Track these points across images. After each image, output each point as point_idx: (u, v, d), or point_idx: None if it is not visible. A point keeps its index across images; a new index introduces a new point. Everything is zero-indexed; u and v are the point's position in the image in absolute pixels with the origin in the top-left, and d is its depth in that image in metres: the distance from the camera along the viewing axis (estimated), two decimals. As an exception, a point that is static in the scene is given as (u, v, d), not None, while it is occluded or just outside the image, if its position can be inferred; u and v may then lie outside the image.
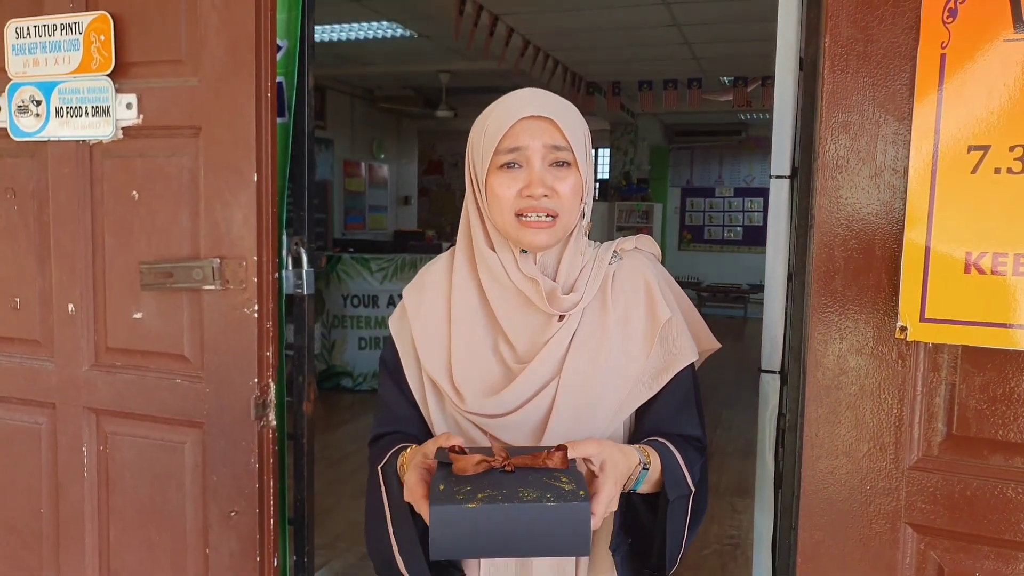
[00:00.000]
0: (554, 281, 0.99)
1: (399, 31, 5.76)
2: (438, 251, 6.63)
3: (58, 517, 1.55)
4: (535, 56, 6.02)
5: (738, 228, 10.75)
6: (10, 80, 1.48)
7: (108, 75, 1.41)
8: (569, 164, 0.96)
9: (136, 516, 1.50)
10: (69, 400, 1.52)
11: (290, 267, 1.45)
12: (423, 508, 0.83)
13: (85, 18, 1.42)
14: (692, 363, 1.02)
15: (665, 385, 1.01)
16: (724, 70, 6.98)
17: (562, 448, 0.83)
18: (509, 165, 0.95)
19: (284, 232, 1.43)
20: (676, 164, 11.12)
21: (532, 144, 0.95)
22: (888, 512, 1.06)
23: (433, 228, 9.89)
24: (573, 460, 0.84)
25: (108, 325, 1.48)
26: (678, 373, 1.01)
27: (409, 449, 0.98)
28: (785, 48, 1.25)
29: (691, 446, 1.01)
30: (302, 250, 1.45)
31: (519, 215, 0.95)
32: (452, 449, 0.84)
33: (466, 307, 1.02)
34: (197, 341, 1.42)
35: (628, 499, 0.96)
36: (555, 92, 1.01)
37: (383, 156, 10.88)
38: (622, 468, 0.88)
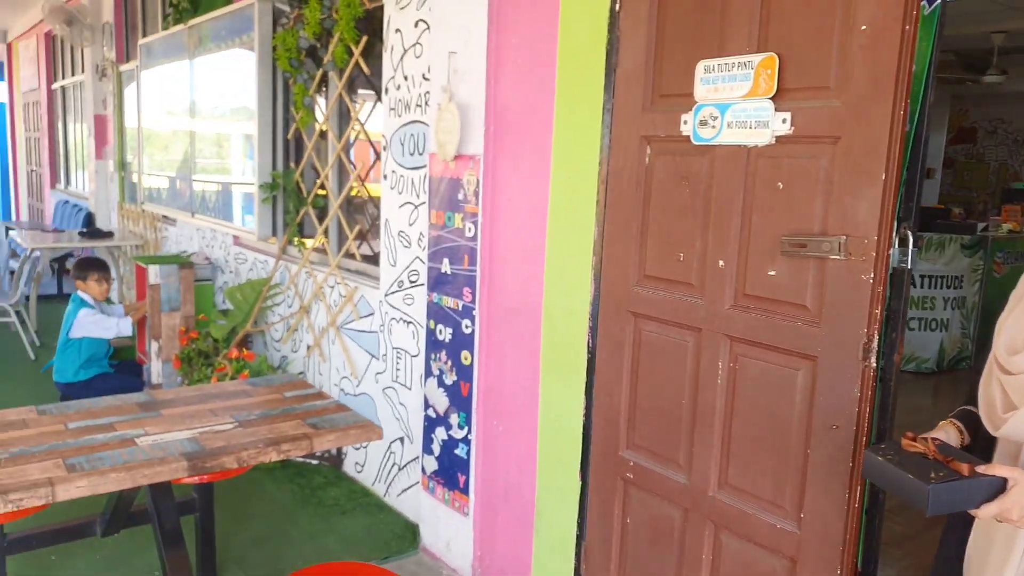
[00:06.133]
0: None
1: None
2: (971, 231, 6.20)
3: (695, 409, 2.22)
4: None
5: None
6: (696, 103, 2.13)
7: (770, 98, 1.95)
8: None
9: (752, 416, 2.07)
10: (712, 328, 2.15)
11: (897, 246, 1.84)
12: None
13: (757, 57, 1.98)
14: None
15: None
16: None
17: (971, 462, 1.29)
18: None
19: (896, 219, 1.82)
20: None
21: None
22: None
23: (958, 204, 9.06)
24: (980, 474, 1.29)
25: (747, 278, 2.06)
26: None
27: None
28: None
29: None
30: (909, 233, 1.83)
31: None
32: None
33: None
34: (817, 296, 1.91)
35: None
36: None
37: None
38: None
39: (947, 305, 5.98)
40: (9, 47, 13.40)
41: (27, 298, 6.76)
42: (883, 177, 1.75)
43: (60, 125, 10.95)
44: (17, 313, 6.41)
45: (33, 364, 6.10)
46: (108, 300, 5.09)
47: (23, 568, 3.09)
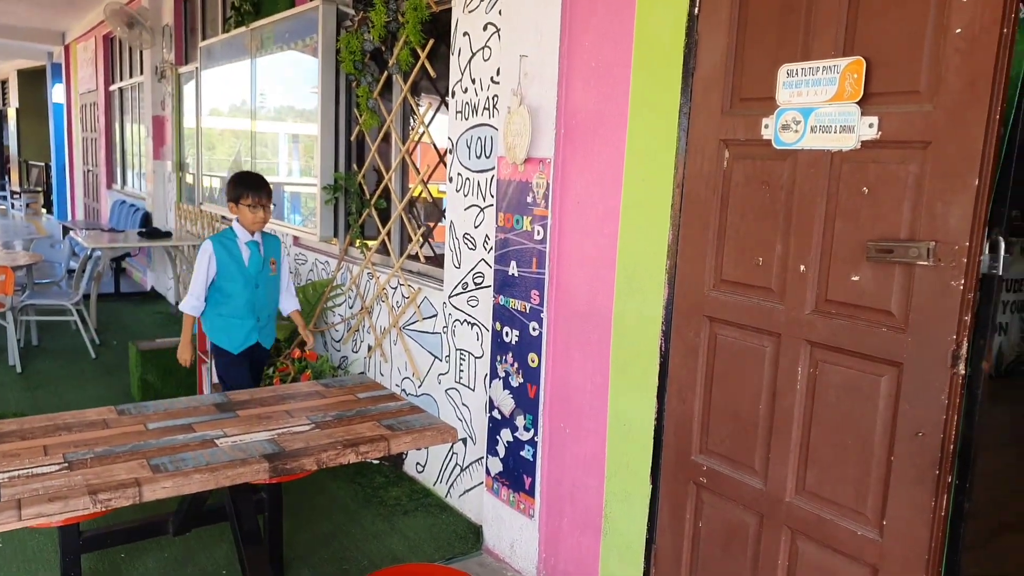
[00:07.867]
0: None
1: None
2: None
3: (772, 413, 2.21)
4: None
5: None
6: (778, 106, 2.12)
7: (856, 103, 1.94)
8: None
9: (832, 422, 2.06)
10: (791, 333, 2.14)
11: (987, 252, 1.81)
12: None
13: (842, 62, 1.96)
14: None
15: None
16: None
17: None
18: None
19: (988, 225, 1.80)
20: None
21: None
22: None
23: None
24: None
25: (830, 283, 2.05)
26: None
27: None
28: None
29: None
30: (1000, 240, 1.80)
31: None
32: None
33: None
34: (903, 302, 1.89)
35: None
36: None
37: None
38: None
39: (1007, 308, 5.83)
40: (67, 49, 13.80)
41: (87, 297, 6.96)
42: (976, 183, 1.73)
43: (117, 126, 11.25)
44: (78, 312, 6.60)
45: (94, 362, 6.28)
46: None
47: (94, 566, 3.19)
